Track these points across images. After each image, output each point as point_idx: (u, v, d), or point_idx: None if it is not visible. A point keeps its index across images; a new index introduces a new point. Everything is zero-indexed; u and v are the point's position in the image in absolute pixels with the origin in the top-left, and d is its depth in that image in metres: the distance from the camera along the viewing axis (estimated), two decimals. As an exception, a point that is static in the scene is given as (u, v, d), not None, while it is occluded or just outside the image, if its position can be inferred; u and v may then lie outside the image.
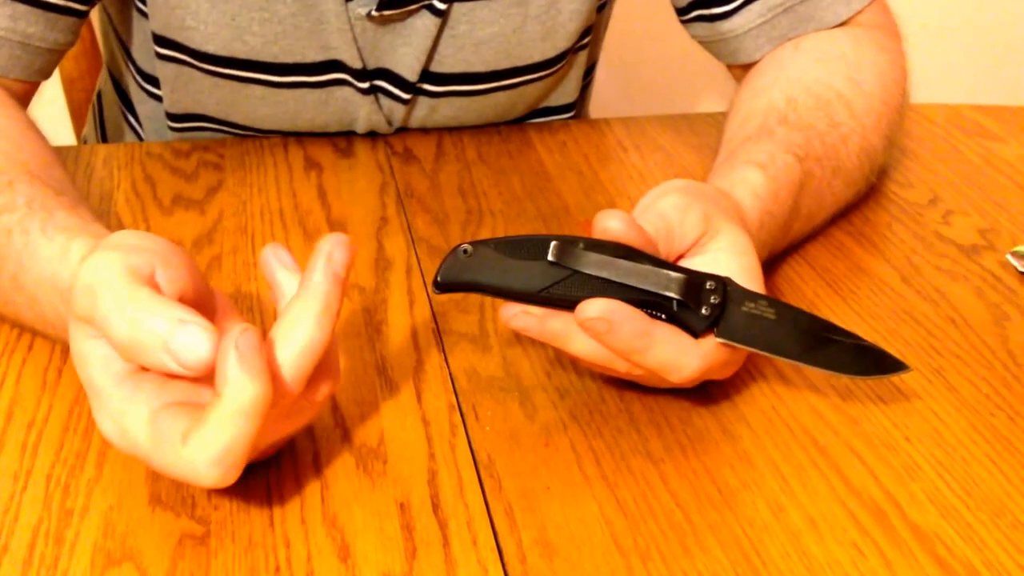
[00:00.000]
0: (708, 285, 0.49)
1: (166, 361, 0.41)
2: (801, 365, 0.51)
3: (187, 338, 0.41)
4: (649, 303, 0.48)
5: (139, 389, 0.43)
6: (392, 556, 0.45)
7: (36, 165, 0.60)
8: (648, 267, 0.48)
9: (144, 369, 0.44)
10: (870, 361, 0.52)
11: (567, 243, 0.48)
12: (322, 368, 0.45)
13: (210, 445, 0.41)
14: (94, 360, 0.44)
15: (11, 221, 0.54)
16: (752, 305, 0.50)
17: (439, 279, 0.48)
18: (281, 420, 0.45)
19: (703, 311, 0.49)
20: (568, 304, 0.48)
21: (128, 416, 0.43)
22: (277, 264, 0.47)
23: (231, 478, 0.42)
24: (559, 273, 0.48)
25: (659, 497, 0.48)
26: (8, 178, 0.57)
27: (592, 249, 0.48)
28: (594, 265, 0.48)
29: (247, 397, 0.40)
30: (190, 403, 0.44)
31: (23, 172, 0.58)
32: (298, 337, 0.43)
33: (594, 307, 0.47)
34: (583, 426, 0.52)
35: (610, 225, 0.49)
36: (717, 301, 0.49)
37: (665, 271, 0.48)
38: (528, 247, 0.48)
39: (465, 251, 0.48)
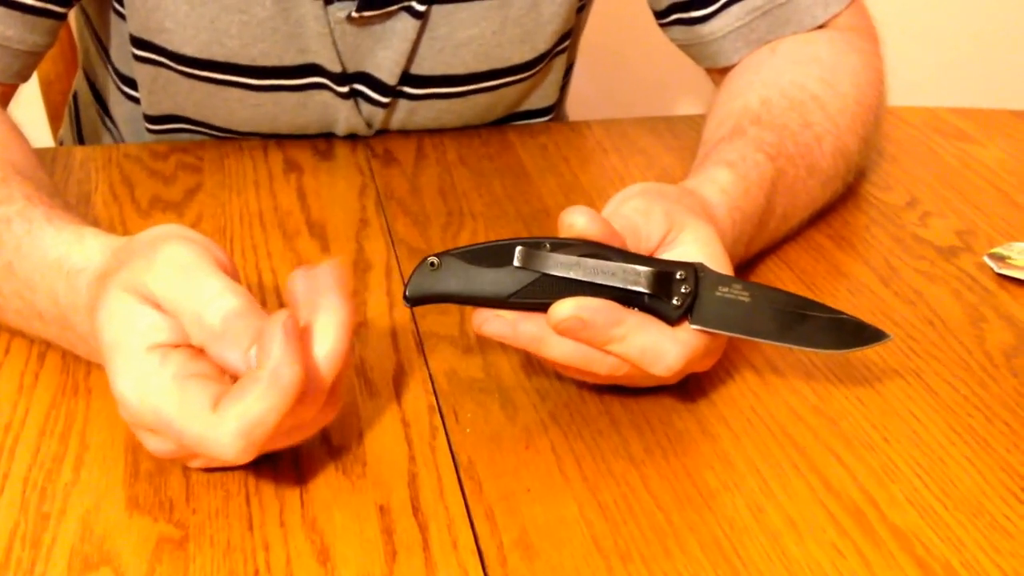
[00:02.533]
0: (678, 275, 0.49)
1: (239, 360, 0.44)
2: (780, 345, 0.51)
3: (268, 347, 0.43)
4: (620, 299, 0.49)
5: (168, 358, 0.45)
6: (372, 559, 0.45)
7: (26, 167, 0.61)
8: (615, 264, 0.48)
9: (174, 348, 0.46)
10: (848, 334, 0.51)
11: (532, 246, 0.48)
12: (331, 393, 0.47)
13: (243, 415, 0.42)
14: (137, 324, 0.45)
15: (10, 212, 0.55)
16: (726, 289, 0.50)
17: (408, 293, 0.48)
18: (284, 434, 0.46)
19: (675, 301, 0.49)
20: (538, 307, 0.48)
21: (155, 378, 0.44)
22: (302, 284, 0.47)
23: (249, 455, 0.44)
24: (527, 277, 0.48)
25: (639, 498, 0.48)
26: (2, 174, 0.57)
27: (558, 250, 0.48)
28: (560, 266, 0.48)
29: (288, 375, 0.42)
30: (215, 378, 0.45)
31: (14, 172, 0.58)
32: (325, 343, 0.45)
33: (564, 308, 0.47)
34: (564, 428, 0.52)
35: (575, 221, 0.49)
36: (688, 290, 0.49)
37: (633, 266, 0.49)
38: (495, 253, 0.48)
39: (432, 263, 0.48)
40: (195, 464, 0.48)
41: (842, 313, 0.52)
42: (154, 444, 0.46)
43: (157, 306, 0.46)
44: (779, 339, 0.50)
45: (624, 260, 0.49)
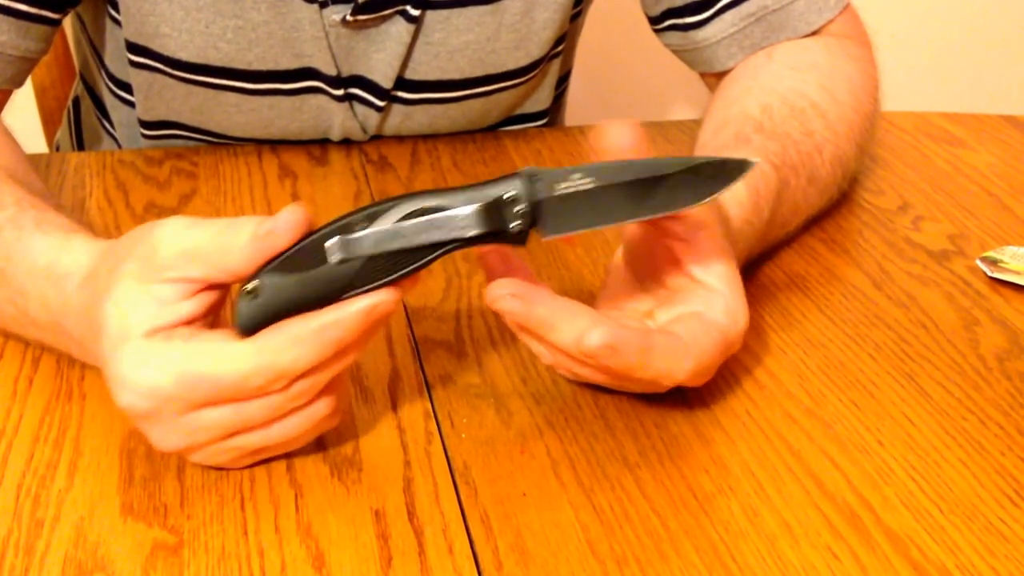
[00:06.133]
0: (506, 196, 0.45)
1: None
2: (642, 220, 0.47)
3: None
4: (459, 248, 0.45)
5: (173, 333, 0.46)
6: (367, 565, 0.45)
7: (17, 170, 0.61)
8: (437, 216, 0.44)
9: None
10: (709, 178, 0.47)
11: (344, 232, 0.44)
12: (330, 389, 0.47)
13: (283, 329, 0.45)
14: (139, 311, 0.45)
15: (2, 219, 0.55)
16: (565, 185, 0.46)
17: (240, 328, 0.45)
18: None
19: (511, 227, 0.45)
20: (381, 288, 0.45)
21: (174, 350, 0.45)
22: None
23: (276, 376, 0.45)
24: (351, 267, 0.44)
25: (635, 503, 0.48)
26: None
27: (374, 221, 0.44)
28: (381, 242, 0.44)
29: (337, 328, 0.45)
30: None
31: (6, 176, 0.58)
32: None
33: (595, 336, 0.46)
34: (559, 432, 0.52)
35: (613, 139, 0.47)
36: (522, 209, 0.45)
37: (456, 211, 0.44)
38: (312, 253, 0.44)
39: (249, 291, 0.44)
40: (230, 454, 0.48)
41: (696, 159, 0.47)
42: (193, 424, 0.46)
43: (164, 281, 0.45)
44: (638, 215, 0.46)
45: (445, 200, 0.45)
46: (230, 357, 0.44)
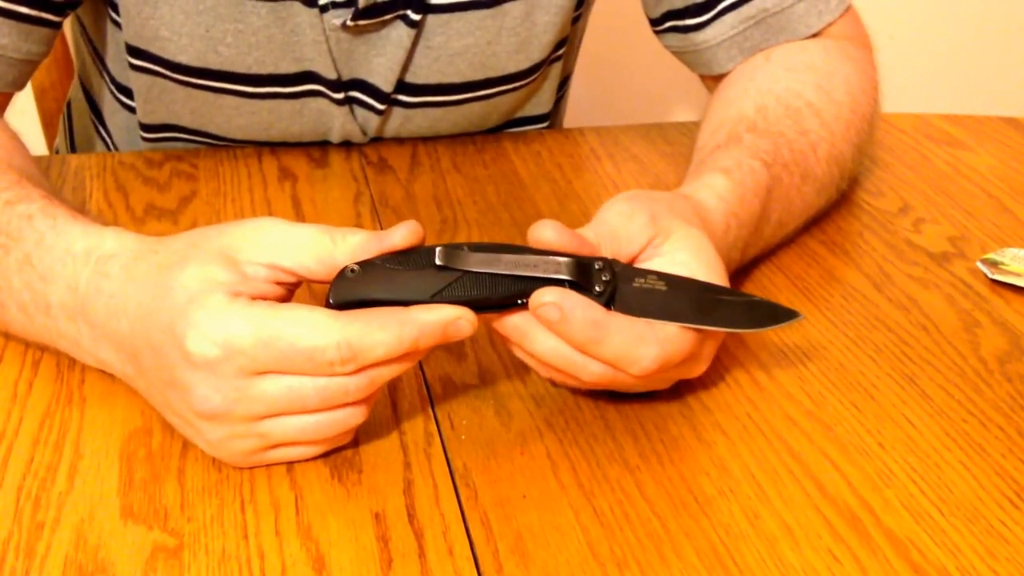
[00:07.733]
0: (597, 266, 0.50)
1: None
2: (701, 328, 0.51)
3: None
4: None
5: (254, 300, 0.47)
6: (368, 567, 0.45)
7: (34, 174, 0.62)
8: (535, 256, 0.49)
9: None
10: (763, 314, 0.53)
11: (452, 247, 0.48)
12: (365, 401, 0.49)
13: (366, 319, 0.46)
14: (218, 278, 0.47)
15: (32, 209, 0.55)
16: (642, 280, 0.51)
17: (331, 301, 0.48)
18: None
19: (597, 289, 0.49)
20: (464, 305, 0.48)
21: (256, 309, 0.46)
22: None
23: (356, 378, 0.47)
24: (448, 276, 0.48)
25: (635, 505, 0.48)
26: (16, 176, 0.58)
27: (478, 250, 0.49)
28: (481, 263, 0.48)
29: (413, 330, 0.47)
30: None
31: (26, 176, 0.59)
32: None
33: (548, 294, 0.48)
34: (559, 434, 0.52)
35: (543, 234, 0.50)
36: (608, 279, 0.50)
37: (553, 257, 0.49)
38: (416, 257, 0.48)
39: (352, 271, 0.48)
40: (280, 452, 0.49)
41: (754, 296, 0.54)
42: (250, 407, 0.46)
43: (254, 262, 0.47)
44: (699, 322, 0.51)
45: (543, 255, 0.49)
46: (314, 324, 0.46)
